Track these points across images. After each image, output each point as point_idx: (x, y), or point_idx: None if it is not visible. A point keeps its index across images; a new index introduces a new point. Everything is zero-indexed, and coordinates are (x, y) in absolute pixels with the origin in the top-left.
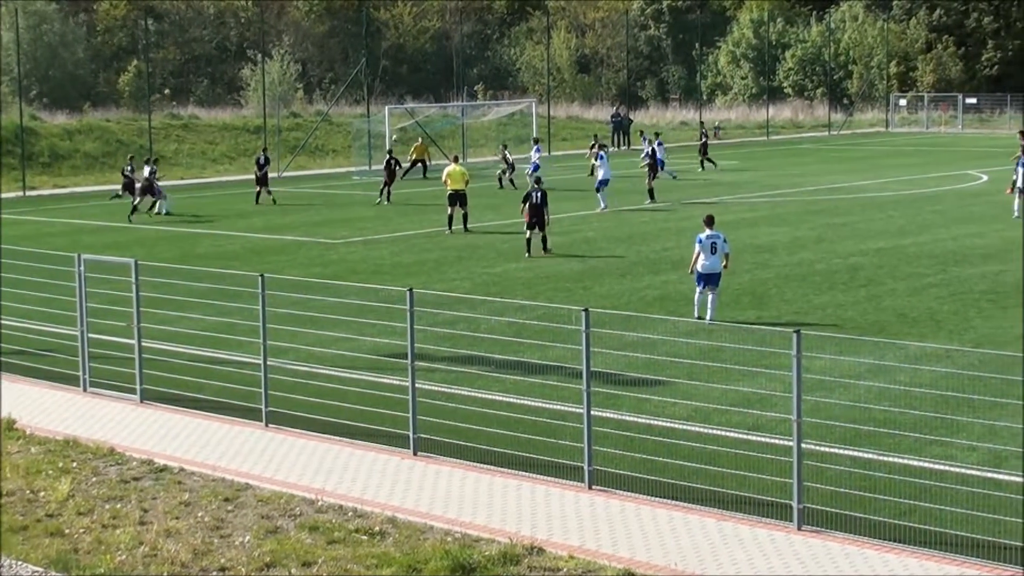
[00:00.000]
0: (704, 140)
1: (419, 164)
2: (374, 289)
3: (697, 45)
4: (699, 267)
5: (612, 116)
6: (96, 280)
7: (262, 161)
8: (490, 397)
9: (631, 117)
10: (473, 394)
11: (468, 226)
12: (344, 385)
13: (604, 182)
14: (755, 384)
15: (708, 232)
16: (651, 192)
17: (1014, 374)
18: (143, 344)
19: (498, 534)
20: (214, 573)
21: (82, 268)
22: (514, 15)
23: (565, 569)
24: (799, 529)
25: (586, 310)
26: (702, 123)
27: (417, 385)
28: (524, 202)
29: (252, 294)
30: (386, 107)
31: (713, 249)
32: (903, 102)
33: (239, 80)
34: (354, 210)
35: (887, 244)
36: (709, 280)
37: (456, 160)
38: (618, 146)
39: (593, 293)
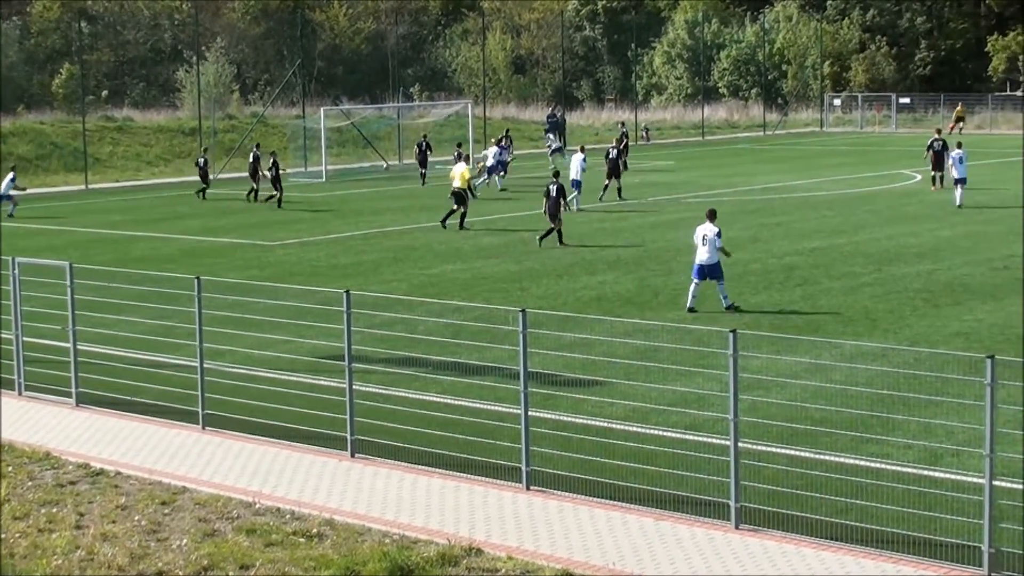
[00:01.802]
0: (624, 142)
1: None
2: (311, 291)
3: (632, 46)
4: (695, 259)
5: (548, 117)
6: (31, 283)
7: (264, 163)
8: (427, 398)
9: (566, 117)
10: (411, 395)
11: (462, 223)
12: (281, 387)
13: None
14: (692, 384)
15: (702, 225)
16: (619, 190)
17: (948, 372)
18: (79, 347)
19: (436, 535)
20: None
21: (16, 271)
22: (449, 16)
23: (503, 570)
24: (736, 528)
25: (523, 311)
26: (622, 123)
27: (354, 387)
28: (545, 196)
29: (189, 297)
30: (321, 108)
31: (703, 241)
32: (837, 102)
33: (174, 82)
34: (291, 212)
35: (822, 244)
36: (706, 272)
37: (465, 159)
38: None
39: (530, 294)
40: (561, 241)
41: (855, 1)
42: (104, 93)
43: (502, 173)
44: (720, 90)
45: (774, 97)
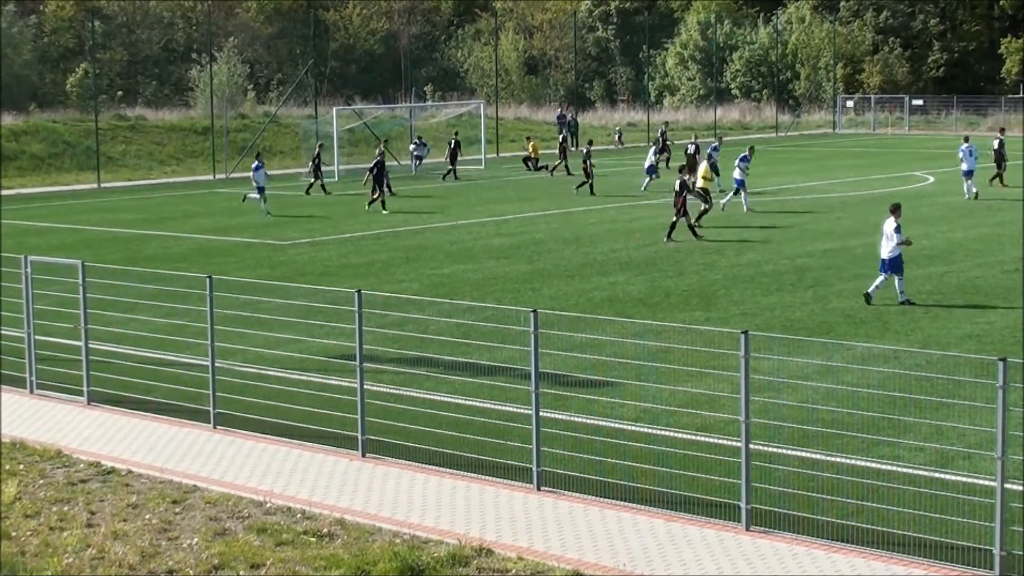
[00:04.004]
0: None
1: (532, 160)
2: (323, 291)
3: (645, 47)
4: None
5: (558, 117)
6: (43, 282)
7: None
8: (438, 398)
9: (577, 119)
10: (422, 395)
11: (699, 217)
12: (292, 387)
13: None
14: (703, 385)
15: (887, 220)
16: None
17: (960, 375)
18: (91, 346)
19: (447, 535)
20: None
21: (28, 270)
22: (462, 16)
23: (514, 570)
24: (747, 530)
25: (535, 311)
26: (666, 124)
27: (365, 387)
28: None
29: (200, 296)
30: (334, 108)
31: (885, 236)
32: (850, 103)
33: (187, 81)
34: (302, 211)
35: (834, 245)
36: (887, 266)
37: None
38: None
39: (541, 295)
40: (696, 233)
41: (868, 3)
42: (118, 92)
43: (655, 176)
44: (732, 91)
45: (787, 99)
